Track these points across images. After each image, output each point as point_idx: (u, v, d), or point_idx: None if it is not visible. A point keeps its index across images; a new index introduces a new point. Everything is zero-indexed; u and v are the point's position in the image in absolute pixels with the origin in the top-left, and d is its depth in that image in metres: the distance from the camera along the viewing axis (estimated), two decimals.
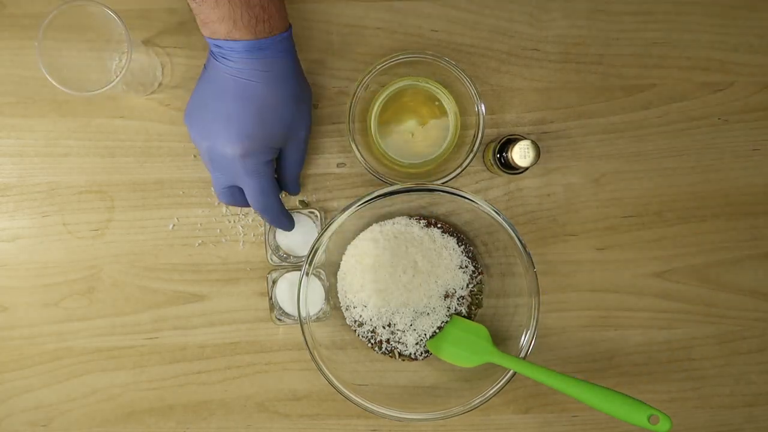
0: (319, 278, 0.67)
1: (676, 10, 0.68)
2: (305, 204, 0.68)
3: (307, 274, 0.62)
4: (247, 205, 0.64)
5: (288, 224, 0.65)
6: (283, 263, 0.67)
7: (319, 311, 0.66)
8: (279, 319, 0.67)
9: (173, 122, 0.68)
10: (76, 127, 0.68)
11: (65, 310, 0.68)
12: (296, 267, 0.68)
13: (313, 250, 0.61)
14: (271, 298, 0.66)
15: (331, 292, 0.68)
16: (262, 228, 0.68)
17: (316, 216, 0.68)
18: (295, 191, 0.68)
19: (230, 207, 0.68)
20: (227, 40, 0.57)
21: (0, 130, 0.68)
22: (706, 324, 0.69)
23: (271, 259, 0.67)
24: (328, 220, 0.62)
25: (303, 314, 0.62)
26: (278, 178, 0.66)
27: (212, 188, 0.68)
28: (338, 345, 0.69)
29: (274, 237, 0.68)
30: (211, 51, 0.59)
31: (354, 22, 0.67)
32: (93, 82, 0.61)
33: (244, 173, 0.60)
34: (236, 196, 0.63)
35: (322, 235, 0.61)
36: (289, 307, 0.67)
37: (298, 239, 0.67)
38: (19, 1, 0.67)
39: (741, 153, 0.69)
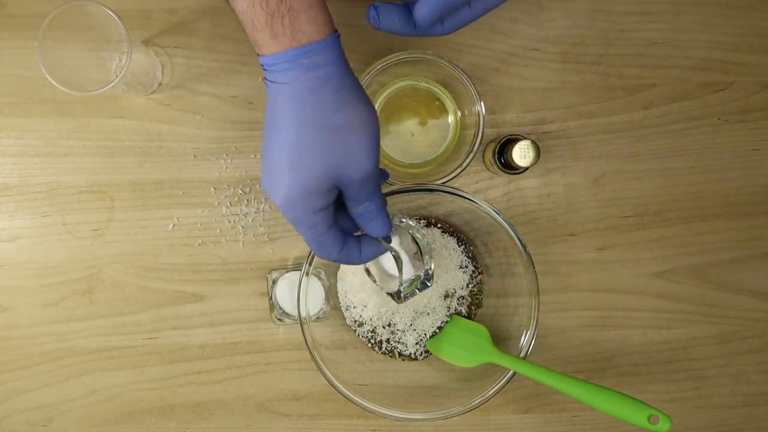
0: (319, 278, 0.67)
1: (676, 10, 0.68)
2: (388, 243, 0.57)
3: (307, 274, 0.62)
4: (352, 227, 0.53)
5: (358, 261, 0.54)
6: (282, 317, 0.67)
7: (319, 311, 0.66)
8: (279, 319, 0.67)
9: (173, 122, 0.68)
10: (76, 127, 0.68)
11: (65, 310, 0.68)
12: (296, 267, 0.68)
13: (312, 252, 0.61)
14: (271, 298, 0.66)
15: (331, 292, 0.68)
16: (262, 228, 0.68)
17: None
18: (375, 233, 0.53)
19: (230, 207, 0.68)
20: (260, 55, 0.47)
21: (0, 130, 0.68)
22: (706, 324, 0.69)
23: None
24: None
25: (303, 314, 0.62)
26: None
27: None
28: (338, 345, 0.69)
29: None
30: None
31: (354, 22, 0.67)
32: (93, 82, 0.61)
33: (292, 223, 0.51)
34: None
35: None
36: (289, 307, 0.67)
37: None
38: (19, 1, 0.67)
39: (741, 153, 0.69)
